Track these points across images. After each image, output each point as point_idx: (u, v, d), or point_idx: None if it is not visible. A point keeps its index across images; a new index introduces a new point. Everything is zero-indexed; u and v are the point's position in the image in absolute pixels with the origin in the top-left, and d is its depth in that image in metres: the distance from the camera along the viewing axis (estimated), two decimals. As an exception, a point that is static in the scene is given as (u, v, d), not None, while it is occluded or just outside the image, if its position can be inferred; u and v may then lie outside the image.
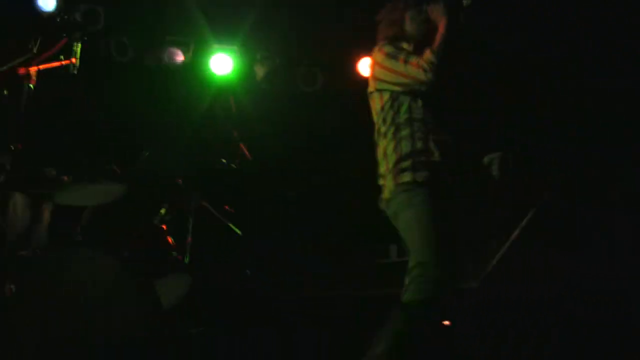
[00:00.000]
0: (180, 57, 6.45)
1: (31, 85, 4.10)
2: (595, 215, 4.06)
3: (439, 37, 3.24)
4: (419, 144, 3.21)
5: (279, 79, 6.75)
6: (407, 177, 3.17)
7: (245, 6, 6.04)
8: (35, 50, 4.17)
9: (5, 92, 4.27)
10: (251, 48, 6.58)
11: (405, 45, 3.40)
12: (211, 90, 6.69)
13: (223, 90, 6.67)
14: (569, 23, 5.55)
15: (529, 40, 5.80)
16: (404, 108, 3.28)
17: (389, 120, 3.30)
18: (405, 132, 3.25)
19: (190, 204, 5.12)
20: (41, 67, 4.12)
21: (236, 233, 5.52)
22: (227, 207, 5.58)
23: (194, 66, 6.60)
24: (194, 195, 5.15)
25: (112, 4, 6.14)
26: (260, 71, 6.75)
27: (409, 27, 3.43)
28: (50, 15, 5.96)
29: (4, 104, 4.35)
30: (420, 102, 3.27)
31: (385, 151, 3.29)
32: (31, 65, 4.13)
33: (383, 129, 3.32)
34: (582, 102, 5.87)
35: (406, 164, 3.20)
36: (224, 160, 5.59)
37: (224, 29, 6.36)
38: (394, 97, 3.31)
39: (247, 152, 5.70)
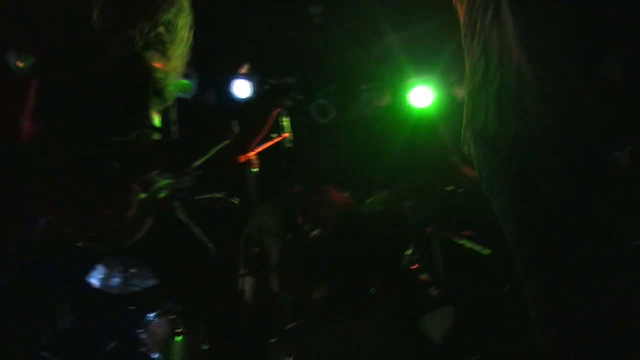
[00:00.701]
0: (378, 102, 6.47)
1: (255, 170, 4.32)
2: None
3: None
4: None
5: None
6: None
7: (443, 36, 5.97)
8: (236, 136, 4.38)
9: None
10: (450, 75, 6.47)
11: None
12: (410, 123, 6.63)
13: (424, 122, 6.60)
14: None
15: None
16: None
17: None
18: None
19: (432, 237, 5.06)
20: (259, 149, 4.33)
21: (483, 254, 5.36)
22: (467, 232, 5.45)
23: (394, 104, 6.59)
24: (433, 227, 5.09)
25: (301, 71, 6.35)
26: (460, 93, 6.62)
27: None
28: (247, 101, 6.28)
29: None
30: None
31: None
32: (249, 152, 4.35)
33: None
34: None
35: None
36: (451, 188, 5.50)
37: (422, 61, 6.30)
38: None
39: (472, 173, 5.56)
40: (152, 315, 4.60)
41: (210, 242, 4.91)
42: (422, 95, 6.45)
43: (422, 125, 6.56)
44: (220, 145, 4.02)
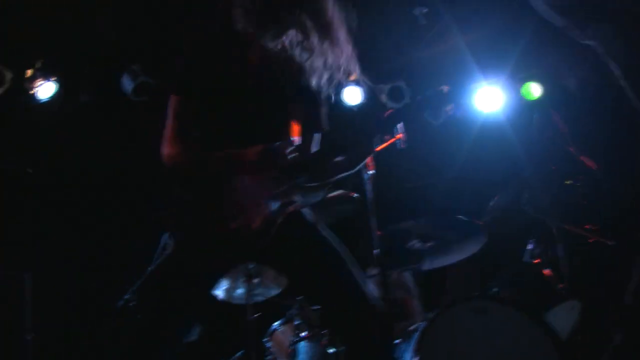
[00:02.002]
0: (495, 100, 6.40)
1: (371, 172, 4.38)
2: None
3: None
4: None
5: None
6: None
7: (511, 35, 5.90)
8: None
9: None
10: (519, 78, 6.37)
11: None
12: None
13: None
14: None
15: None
16: None
17: None
18: None
19: (553, 232, 5.00)
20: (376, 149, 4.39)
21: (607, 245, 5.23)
22: (588, 227, 5.34)
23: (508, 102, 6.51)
24: (553, 221, 5.02)
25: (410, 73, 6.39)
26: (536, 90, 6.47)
27: None
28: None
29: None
30: None
31: None
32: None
33: None
34: None
35: None
36: (568, 182, 5.40)
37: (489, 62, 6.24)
38: None
39: (593, 165, 5.44)
40: (277, 323, 4.69)
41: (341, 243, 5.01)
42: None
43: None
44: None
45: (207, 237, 2.88)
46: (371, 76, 6.34)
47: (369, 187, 4.30)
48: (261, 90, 2.97)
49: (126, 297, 4.49)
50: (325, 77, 3.05)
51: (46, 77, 5.88)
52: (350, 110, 6.37)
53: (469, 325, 3.91)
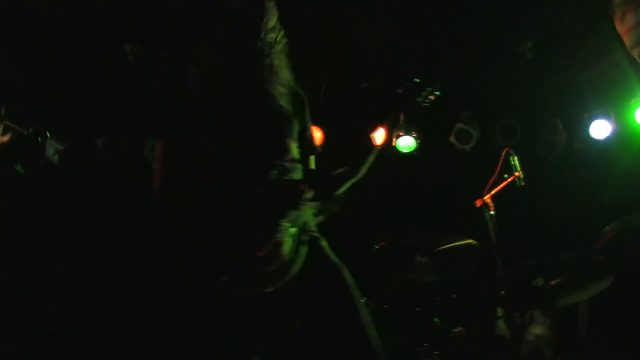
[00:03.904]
0: (607, 128, 6.24)
1: (492, 212, 4.37)
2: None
3: None
4: None
5: None
6: None
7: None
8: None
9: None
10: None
11: None
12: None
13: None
14: None
15: None
16: None
17: None
18: None
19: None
20: (494, 192, 4.39)
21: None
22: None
23: (619, 128, 6.33)
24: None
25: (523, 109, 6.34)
26: None
27: None
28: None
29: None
30: None
31: None
32: (485, 195, 4.42)
33: None
34: None
35: None
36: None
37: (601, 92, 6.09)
38: None
39: None
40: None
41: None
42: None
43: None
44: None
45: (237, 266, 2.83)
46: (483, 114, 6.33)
47: (491, 227, 4.28)
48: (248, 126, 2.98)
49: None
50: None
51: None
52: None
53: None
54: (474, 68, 6.11)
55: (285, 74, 3.05)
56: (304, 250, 2.89)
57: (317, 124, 5.96)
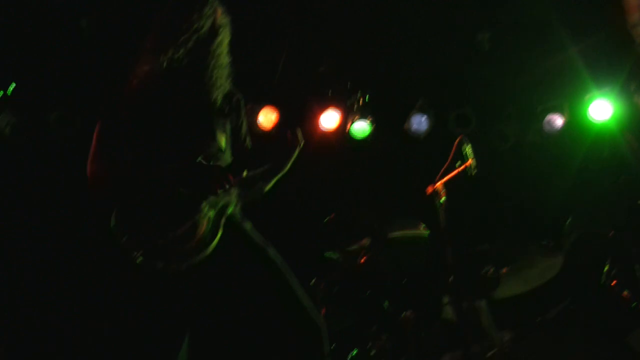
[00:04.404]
0: (560, 121, 6.35)
1: (443, 199, 4.41)
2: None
3: None
4: None
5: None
6: None
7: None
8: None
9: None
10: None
11: None
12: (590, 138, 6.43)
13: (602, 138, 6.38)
14: None
15: None
16: None
17: None
18: None
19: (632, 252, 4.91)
20: (445, 179, 4.42)
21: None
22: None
23: (572, 123, 6.43)
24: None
25: (477, 98, 6.40)
26: None
27: None
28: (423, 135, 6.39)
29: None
30: None
31: None
32: (436, 182, 4.45)
33: None
34: None
35: None
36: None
37: (601, 73, 6.14)
38: None
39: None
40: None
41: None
42: (601, 109, 6.23)
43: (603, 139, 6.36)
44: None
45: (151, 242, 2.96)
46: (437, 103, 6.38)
47: (441, 215, 4.31)
48: (174, 112, 3.14)
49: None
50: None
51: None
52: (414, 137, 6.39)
53: (550, 348, 3.88)
54: (432, 56, 6.15)
55: (222, 72, 3.19)
56: (220, 232, 3.07)
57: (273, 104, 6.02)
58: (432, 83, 6.41)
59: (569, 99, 6.34)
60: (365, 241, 4.94)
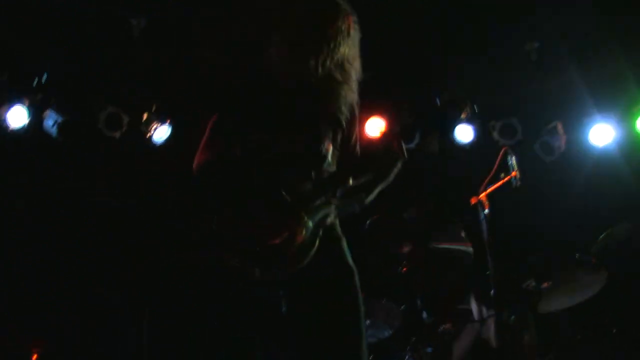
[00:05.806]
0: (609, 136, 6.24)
1: (486, 211, 4.37)
2: None
3: None
4: None
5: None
6: None
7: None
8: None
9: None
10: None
11: None
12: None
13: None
14: None
15: None
16: None
17: None
18: None
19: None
20: (489, 190, 4.38)
21: None
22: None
23: (622, 134, 6.32)
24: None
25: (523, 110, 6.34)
26: None
27: None
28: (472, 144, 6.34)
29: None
30: None
31: None
32: (480, 194, 4.41)
33: None
34: None
35: None
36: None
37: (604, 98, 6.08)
38: None
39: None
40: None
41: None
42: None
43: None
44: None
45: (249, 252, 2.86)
46: (483, 113, 6.32)
47: (484, 227, 4.27)
48: (290, 120, 3.02)
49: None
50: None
51: (161, 121, 6.03)
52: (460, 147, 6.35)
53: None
54: (479, 66, 6.10)
55: (351, 83, 3.04)
56: (317, 244, 2.90)
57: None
58: (478, 93, 6.36)
59: (618, 111, 6.24)
60: (406, 248, 4.91)
